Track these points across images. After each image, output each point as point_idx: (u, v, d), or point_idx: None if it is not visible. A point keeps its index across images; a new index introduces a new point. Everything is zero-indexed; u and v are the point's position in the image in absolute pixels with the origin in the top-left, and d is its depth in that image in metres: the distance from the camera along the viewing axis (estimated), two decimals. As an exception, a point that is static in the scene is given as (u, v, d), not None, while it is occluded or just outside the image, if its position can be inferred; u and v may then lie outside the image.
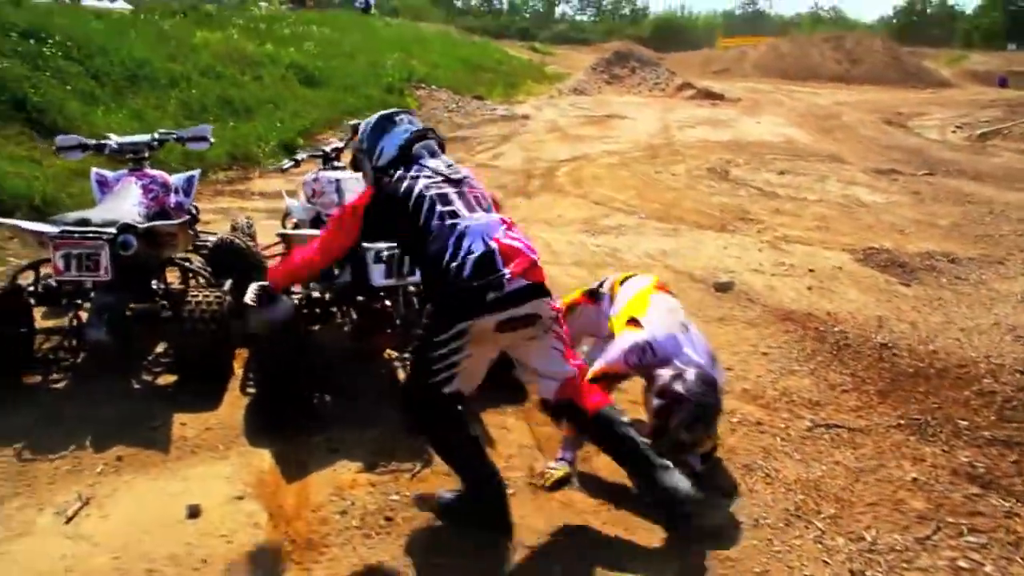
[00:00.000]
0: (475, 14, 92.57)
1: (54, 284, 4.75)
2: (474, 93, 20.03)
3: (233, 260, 5.01)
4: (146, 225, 4.25)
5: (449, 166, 3.27)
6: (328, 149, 5.11)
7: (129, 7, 24.71)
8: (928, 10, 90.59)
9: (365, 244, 3.90)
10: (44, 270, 4.54)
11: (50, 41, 11.14)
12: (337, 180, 4.73)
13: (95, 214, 4.26)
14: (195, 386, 4.28)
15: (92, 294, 4.36)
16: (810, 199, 9.85)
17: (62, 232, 4.05)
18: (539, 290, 2.99)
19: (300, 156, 5.24)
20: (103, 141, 5.19)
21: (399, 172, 3.20)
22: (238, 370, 4.50)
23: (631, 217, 8.55)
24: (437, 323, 2.98)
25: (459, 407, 3.12)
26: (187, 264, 4.68)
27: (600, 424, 3.18)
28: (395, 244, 3.91)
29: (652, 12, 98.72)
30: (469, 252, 2.93)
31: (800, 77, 35.22)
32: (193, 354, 4.21)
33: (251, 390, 4.31)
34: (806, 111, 20.94)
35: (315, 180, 4.85)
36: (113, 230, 4.09)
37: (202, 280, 4.70)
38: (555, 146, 13.28)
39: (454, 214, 3.04)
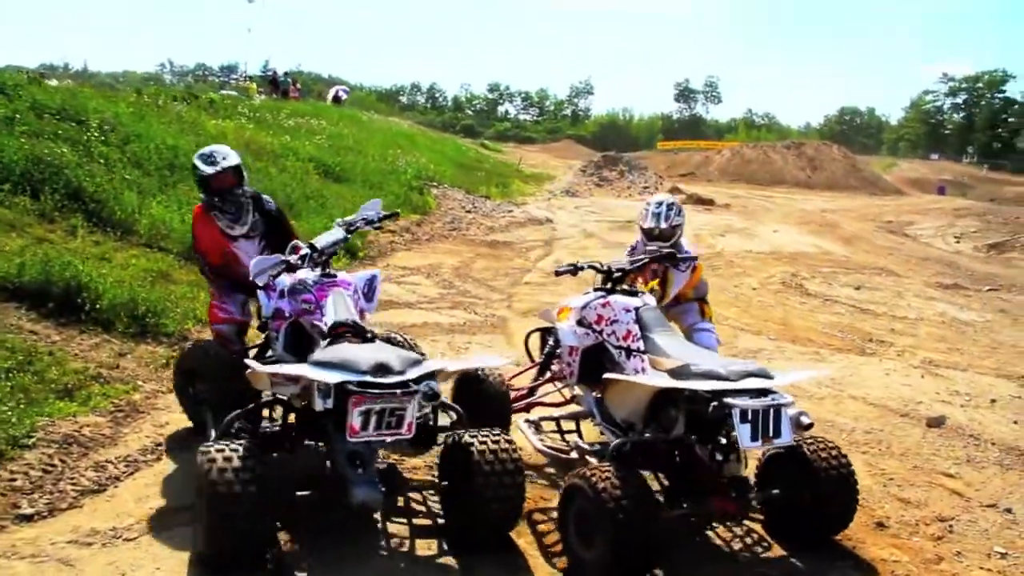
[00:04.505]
0: (420, 110, 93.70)
1: (274, 429, 3.94)
2: (478, 192, 19.64)
3: (476, 400, 4.25)
4: (453, 368, 3.49)
5: None
6: (614, 267, 4.38)
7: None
8: (857, 119, 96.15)
9: (730, 399, 3.25)
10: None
11: (91, 125, 10.27)
12: (636, 308, 4.04)
13: (382, 355, 3.39)
14: (489, 556, 3.49)
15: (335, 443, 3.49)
16: (910, 317, 9.54)
17: (362, 383, 3.22)
18: None
19: (581, 264, 4.46)
20: (303, 252, 4.31)
21: None
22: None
23: (758, 338, 8.07)
24: None
25: None
26: (449, 404, 3.84)
27: None
28: (764, 400, 3.29)
29: (593, 113, 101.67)
30: None
31: (765, 182, 36.08)
32: (492, 520, 3.42)
33: (558, 560, 3.53)
34: (805, 219, 21.19)
35: (603, 305, 4.12)
36: (413, 375, 3.30)
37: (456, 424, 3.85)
38: (604, 254, 12.83)
39: None
